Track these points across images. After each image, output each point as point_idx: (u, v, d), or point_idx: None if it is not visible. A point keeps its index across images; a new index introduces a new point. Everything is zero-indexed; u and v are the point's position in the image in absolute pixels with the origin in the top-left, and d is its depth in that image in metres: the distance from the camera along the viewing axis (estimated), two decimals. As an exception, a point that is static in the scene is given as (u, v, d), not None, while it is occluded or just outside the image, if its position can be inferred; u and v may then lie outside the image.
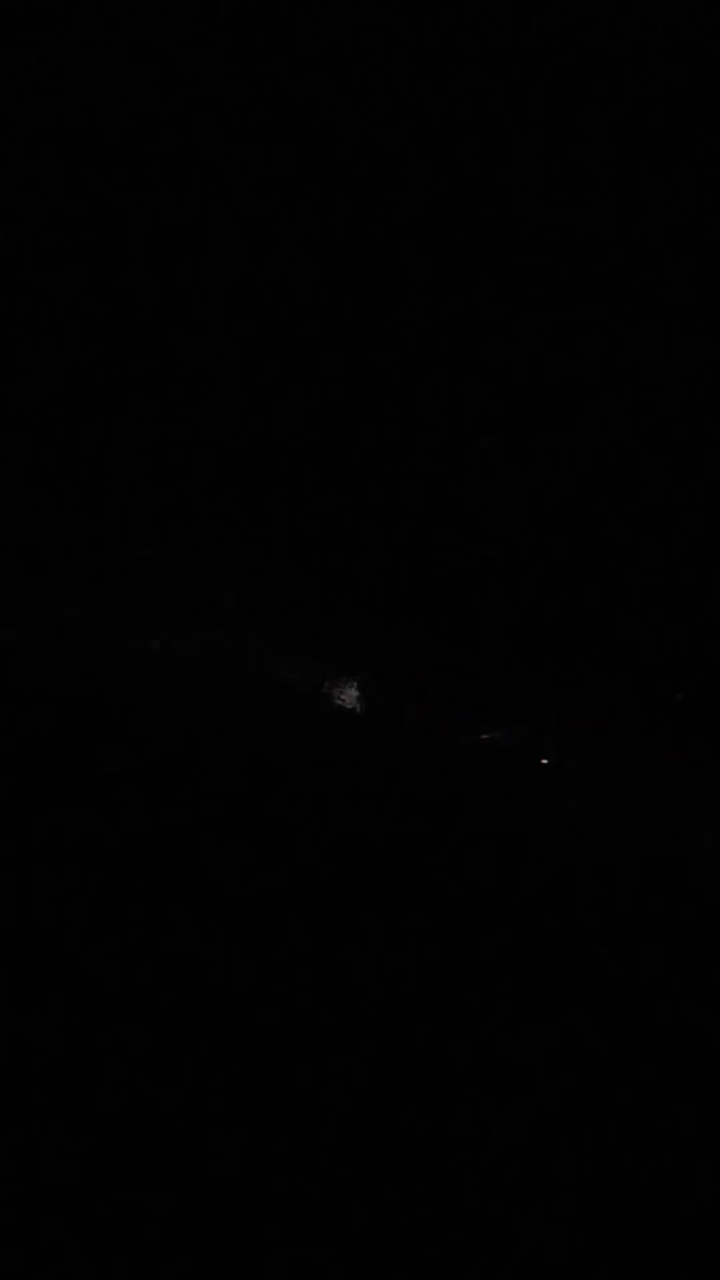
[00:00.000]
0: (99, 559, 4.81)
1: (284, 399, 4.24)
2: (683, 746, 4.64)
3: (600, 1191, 2.77)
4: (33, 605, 4.53)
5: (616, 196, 3.96)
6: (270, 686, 4.44)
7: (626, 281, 4.00)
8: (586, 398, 4.15)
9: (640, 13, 3.75)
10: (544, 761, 4.86)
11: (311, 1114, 2.78)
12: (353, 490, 4.42)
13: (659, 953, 3.94)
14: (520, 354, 4.15)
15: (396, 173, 4.03)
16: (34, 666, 4.30)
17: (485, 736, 4.92)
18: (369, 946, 3.48)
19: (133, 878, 3.53)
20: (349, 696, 5.19)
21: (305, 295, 4.17)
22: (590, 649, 4.56)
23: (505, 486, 4.31)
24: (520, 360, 4.18)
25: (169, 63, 4.08)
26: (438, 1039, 3.11)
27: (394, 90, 3.97)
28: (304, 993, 3.14)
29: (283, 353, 4.24)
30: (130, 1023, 2.92)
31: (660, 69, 3.80)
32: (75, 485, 4.48)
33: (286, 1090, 2.83)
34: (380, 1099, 2.85)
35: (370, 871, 4.03)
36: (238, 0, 4.03)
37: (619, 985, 3.62)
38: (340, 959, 3.36)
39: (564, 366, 4.04)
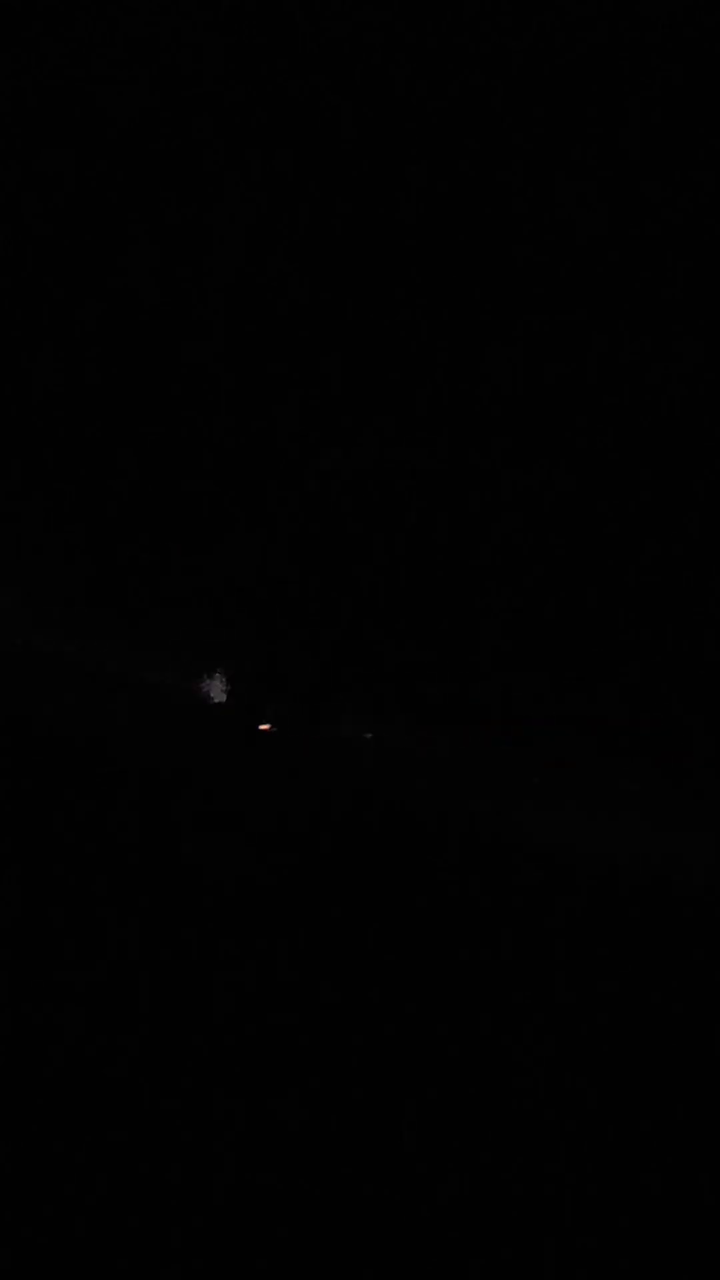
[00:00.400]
0: (86, 561, 4.82)
1: (284, 399, 4.24)
2: (680, 749, 4.63)
3: (598, 1192, 2.77)
4: None
5: (616, 197, 3.96)
6: (269, 687, 4.43)
7: (626, 282, 4.00)
8: (586, 398, 4.15)
9: (640, 12, 3.75)
10: (535, 780, 4.86)
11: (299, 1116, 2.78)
12: (351, 491, 4.41)
13: (653, 955, 3.94)
14: (519, 354, 4.15)
15: (396, 173, 4.03)
16: None
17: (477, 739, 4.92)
18: (366, 948, 3.48)
19: (128, 880, 3.53)
20: (345, 698, 5.18)
21: (304, 295, 4.16)
22: (588, 654, 4.55)
23: (504, 488, 4.30)
24: (520, 361, 4.17)
25: (169, 63, 4.08)
26: (425, 1046, 3.11)
27: (394, 90, 3.97)
28: (303, 992, 3.14)
29: (282, 352, 4.23)
30: (124, 1026, 2.92)
31: (660, 69, 3.79)
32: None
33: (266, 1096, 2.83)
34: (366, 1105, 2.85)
35: (367, 873, 4.03)
36: (238, 0, 4.02)
37: (614, 988, 3.61)
38: (335, 959, 3.36)
39: (564, 366, 4.04)
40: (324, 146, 4.01)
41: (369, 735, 4.80)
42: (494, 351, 4.11)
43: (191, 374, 4.25)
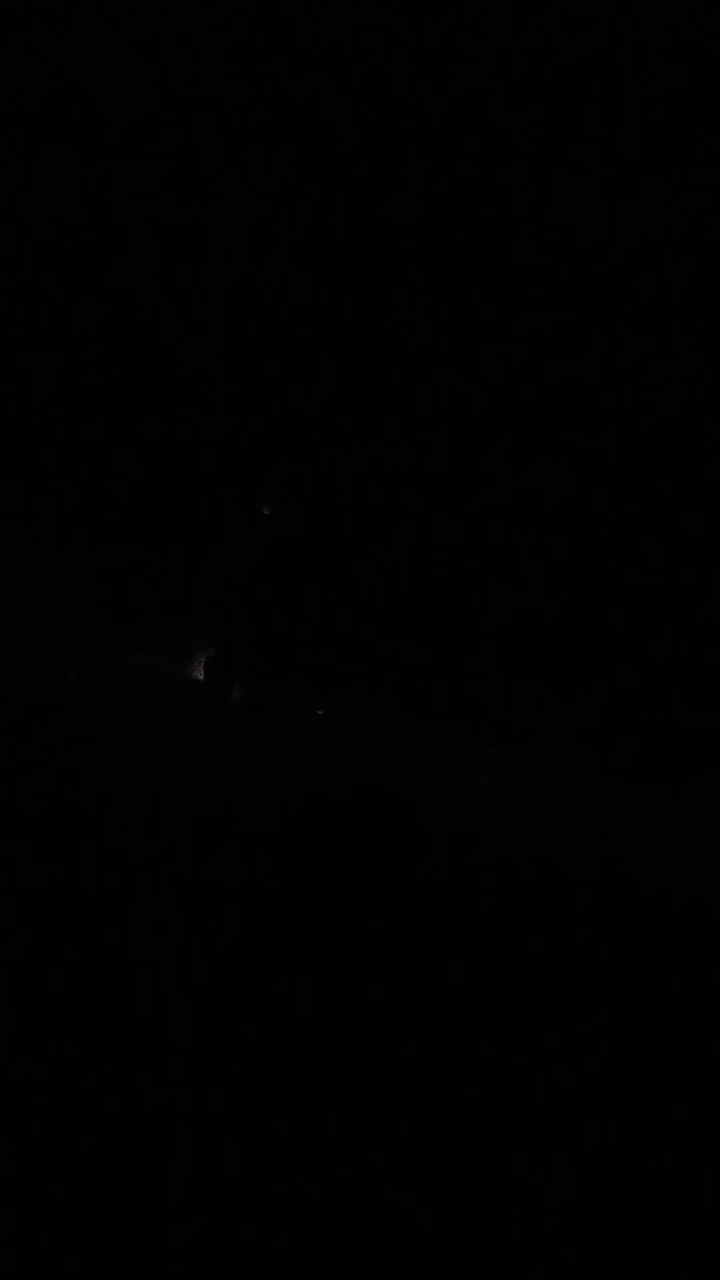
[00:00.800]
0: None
1: (283, 399, 4.24)
2: (679, 749, 4.63)
3: (597, 1197, 2.77)
4: None
5: (615, 197, 3.96)
6: (273, 693, 4.44)
7: (626, 282, 4.00)
8: (587, 400, 4.14)
9: (640, 12, 3.75)
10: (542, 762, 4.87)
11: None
12: (351, 493, 4.41)
13: (653, 950, 3.95)
14: (520, 355, 4.14)
15: (396, 173, 4.03)
16: None
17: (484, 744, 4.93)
18: (360, 944, 3.49)
19: (126, 875, 3.54)
20: (346, 703, 5.19)
21: (304, 296, 4.17)
22: (586, 660, 4.55)
23: (504, 491, 4.30)
24: (520, 362, 4.17)
25: (169, 63, 4.08)
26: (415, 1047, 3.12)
27: (394, 90, 3.97)
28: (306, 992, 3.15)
29: (280, 354, 4.23)
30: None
31: (660, 69, 3.79)
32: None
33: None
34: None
35: (365, 871, 4.04)
36: (238, 0, 4.03)
37: (612, 991, 3.62)
38: (332, 956, 3.37)
39: (564, 367, 4.04)
40: (324, 146, 4.01)
41: (321, 712, 4.83)
42: (494, 352, 4.11)
43: (191, 374, 4.25)
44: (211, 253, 4.12)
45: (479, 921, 3.87)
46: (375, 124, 3.97)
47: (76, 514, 4.41)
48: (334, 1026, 3.04)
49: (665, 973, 3.81)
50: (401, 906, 3.80)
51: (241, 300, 4.15)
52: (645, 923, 4.19)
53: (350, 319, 4.13)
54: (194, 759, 4.28)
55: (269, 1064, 2.86)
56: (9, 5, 3.97)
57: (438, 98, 3.92)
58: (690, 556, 4.18)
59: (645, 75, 3.81)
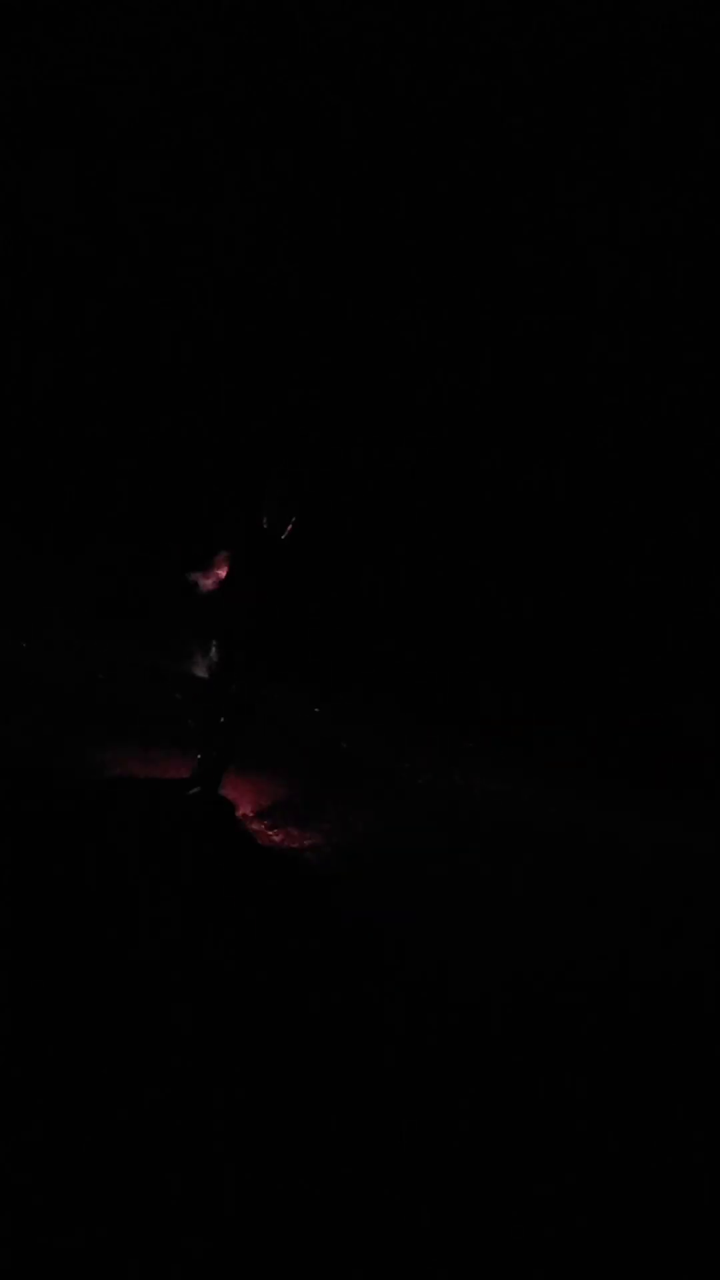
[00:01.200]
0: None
1: (282, 400, 4.25)
2: (678, 750, 4.63)
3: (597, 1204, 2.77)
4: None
5: (615, 198, 3.96)
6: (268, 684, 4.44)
7: (625, 283, 4.00)
8: (588, 402, 4.15)
9: (640, 12, 3.75)
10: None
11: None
12: (350, 495, 4.41)
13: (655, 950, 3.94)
14: (519, 357, 4.15)
15: (395, 174, 4.03)
16: None
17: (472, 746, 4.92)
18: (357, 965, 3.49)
19: (124, 876, 3.54)
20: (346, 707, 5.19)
21: (304, 296, 4.17)
22: (586, 661, 4.56)
23: (504, 492, 4.30)
24: (519, 363, 4.17)
25: (169, 63, 4.08)
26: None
27: (393, 91, 3.97)
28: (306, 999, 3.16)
29: (278, 355, 4.24)
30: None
31: (660, 69, 3.79)
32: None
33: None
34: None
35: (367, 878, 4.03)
36: (237, 1, 4.03)
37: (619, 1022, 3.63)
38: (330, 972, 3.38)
39: (564, 367, 4.04)
40: (324, 146, 4.01)
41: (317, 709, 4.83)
42: (493, 353, 4.11)
43: (191, 374, 4.25)
44: (211, 253, 4.12)
45: (479, 920, 3.87)
46: (375, 124, 3.97)
47: (76, 513, 4.41)
48: (335, 1026, 3.04)
49: (665, 972, 3.81)
50: (401, 906, 3.80)
51: (241, 300, 4.15)
52: (644, 922, 4.19)
53: (350, 319, 4.13)
54: (193, 759, 4.29)
55: (268, 1064, 2.86)
56: (9, 5, 3.97)
57: (438, 98, 3.92)
58: (690, 558, 4.18)
59: (645, 75, 3.81)
